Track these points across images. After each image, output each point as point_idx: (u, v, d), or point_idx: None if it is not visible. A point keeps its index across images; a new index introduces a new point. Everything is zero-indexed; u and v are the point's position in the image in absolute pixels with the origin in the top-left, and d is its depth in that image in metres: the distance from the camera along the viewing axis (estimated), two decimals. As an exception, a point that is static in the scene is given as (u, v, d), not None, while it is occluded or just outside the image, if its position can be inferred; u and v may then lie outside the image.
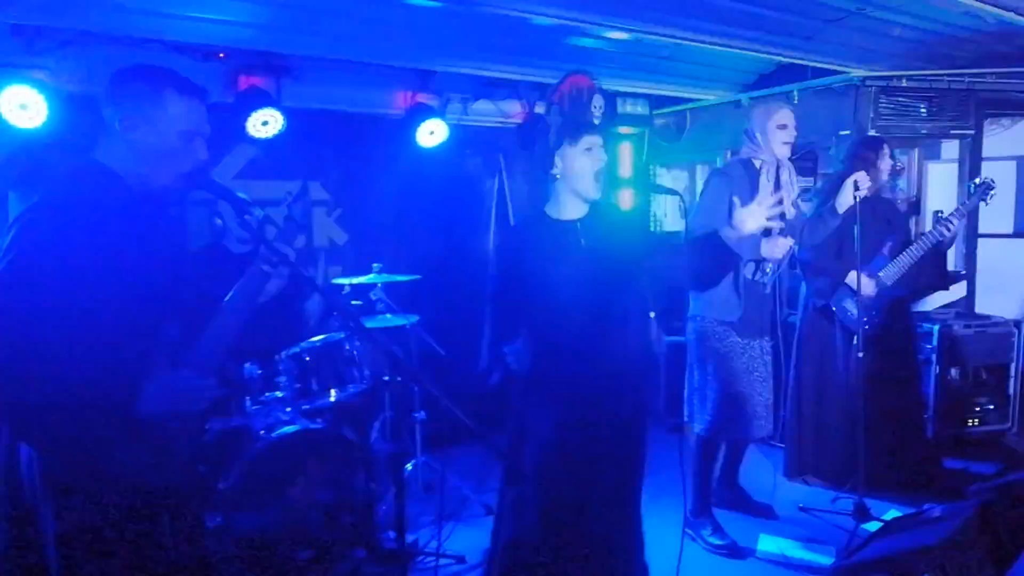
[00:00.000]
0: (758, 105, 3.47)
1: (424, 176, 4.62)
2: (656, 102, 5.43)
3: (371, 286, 3.73)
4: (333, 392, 3.30)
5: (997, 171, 4.89)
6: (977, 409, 4.34)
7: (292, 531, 2.89)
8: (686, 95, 5.19)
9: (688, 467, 3.33)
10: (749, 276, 3.21)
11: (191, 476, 1.77)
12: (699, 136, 5.34)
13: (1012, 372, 4.46)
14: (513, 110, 4.87)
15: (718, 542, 3.30)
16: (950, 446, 4.19)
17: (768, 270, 3.24)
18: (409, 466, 3.84)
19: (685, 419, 3.44)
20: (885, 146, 3.72)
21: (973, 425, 4.31)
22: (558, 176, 2.32)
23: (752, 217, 2.71)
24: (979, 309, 4.86)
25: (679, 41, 3.80)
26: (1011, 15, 3.28)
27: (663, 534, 2.75)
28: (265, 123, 3.89)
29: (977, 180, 3.71)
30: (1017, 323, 4.55)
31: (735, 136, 3.53)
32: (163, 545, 1.65)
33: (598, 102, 2.29)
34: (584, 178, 2.29)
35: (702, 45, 3.91)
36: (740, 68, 4.75)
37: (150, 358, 1.58)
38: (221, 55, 3.81)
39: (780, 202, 2.96)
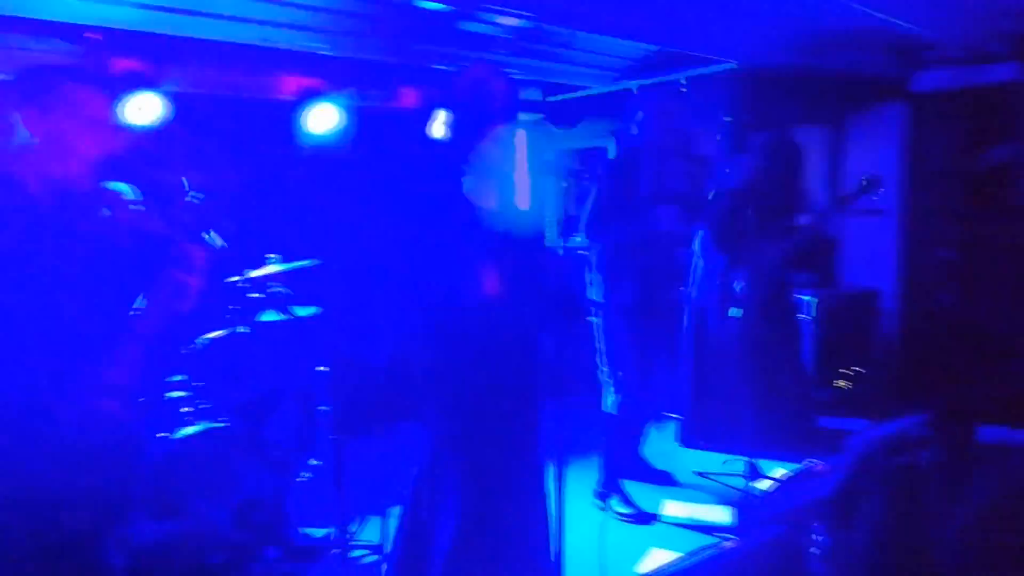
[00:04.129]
0: (645, 93, 3.59)
1: (316, 162, 4.50)
2: (549, 89, 5.52)
3: (269, 278, 3.61)
4: (234, 389, 3.18)
5: (859, 155, 5.34)
6: (846, 371, 4.72)
7: (200, 535, 2.78)
8: (579, 83, 5.31)
9: (599, 443, 3.46)
10: (651, 258, 3.36)
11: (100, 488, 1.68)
12: (592, 123, 5.48)
13: (875, 336, 4.89)
14: (405, 95, 4.83)
15: (626, 511, 3.45)
16: (825, 406, 4.55)
17: (667, 249, 3.40)
18: (316, 461, 3.76)
19: (594, 398, 3.56)
20: (779, 135, 3.98)
21: (844, 386, 4.69)
22: (472, 164, 2.33)
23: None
24: (847, 280, 5.29)
25: (572, 29, 3.90)
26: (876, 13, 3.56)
27: (575, 507, 2.85)
28: (143, 108, 3.67)
29: (866, 178, 4.02)
30: (879, 292, 4.99)
31: (626, 123, 3.65)
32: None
33: (510, 90, 2.30)
34: (499, 167, 2.32)
35: (591, 33, 4.02)
36: (629, 56, 4.90)
37: (69, 373, 1.49)
38: (93, 35, 3.56)
39: (672, 187, 3.11)
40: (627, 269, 3.33)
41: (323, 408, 3.74)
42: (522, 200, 2.57)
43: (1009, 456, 3.17)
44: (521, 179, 2.36)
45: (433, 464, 2.41)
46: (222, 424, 3.02)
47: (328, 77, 4.42)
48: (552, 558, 2.33)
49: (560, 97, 5.53)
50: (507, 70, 2.37)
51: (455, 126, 2.40)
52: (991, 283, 4.57)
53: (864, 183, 4.01)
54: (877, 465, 2.81)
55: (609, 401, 3.45)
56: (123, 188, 1.67)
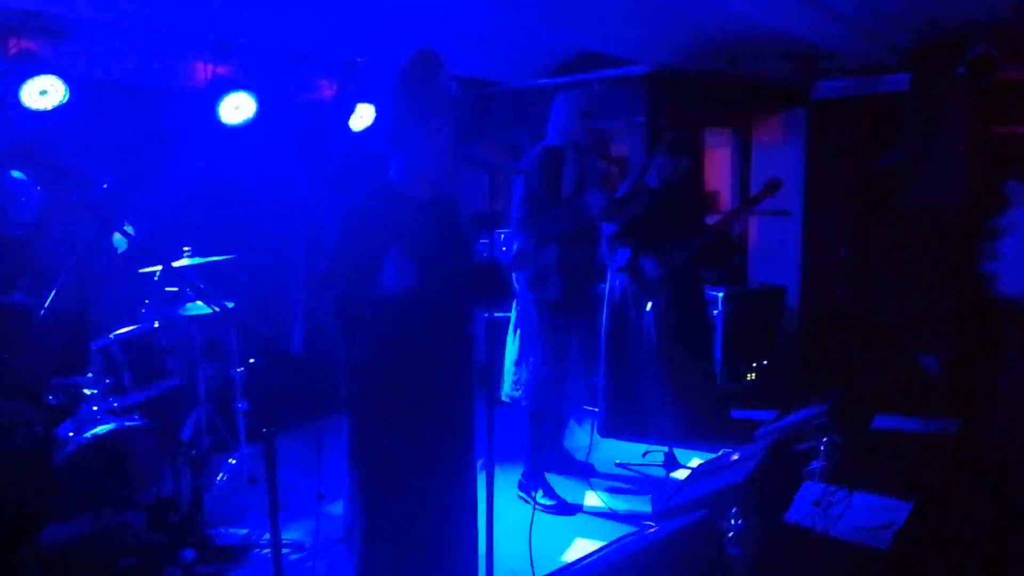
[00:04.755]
0: (563, 92, 3.63)
1: (230, 154, 4.36)
2: (467, 84, 5.53)
3: (183, 271, 3.47)
4: (147, 386, 3.06)
5: (764, 157, 5.60)
6: (754, 364, 4.95)
7: (112, 538, 2.66)
8: (493, 79, 5.33)
9: (520, 437, 3.51)
10: (573, 253, 3.42)
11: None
12: (505, 121, 5.52)
13: (780, 331, 5.14)
14: (322, 86, 4.74)
15: (549, 502, 3.51)
16: (735, 397, 4.76)
17: (582, 245, 3.47)
18: (233, 459, 3.66)
19: (515, 394, 3.60)
20: (689, 137, 4.12)
21: (752, 378, 4.92)
22: (405, 154, 2.32)
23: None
24: (754, 277, 5.54)
25: (493, 24, 3.92)
26: (781, 14, 3.74)
27: (499, 501, 2.88)
28: (44, 92, 3.47)
29: (769, 180, 4.21)
30: (784, 289, 5.25)
31: (540, 120, 3.67)
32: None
33: (445, 81, 2.29)
34: (433, 158, 2.32)
35: (509, 28, 4.06)
36: (545, 55, 4.97)
37: None
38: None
39: (591, 185, 3.17)
40: (552, 264, 3.39)
41: (242, 404, 3.65)
42: (451, 190, 2.57)
43: (902, 442, 3.39)
44: (451, 169, 2.36)
45: (358, 456, 2.39)
46: (134, 423, 2.90)
47: (243, 66, 4.29)
48: (479, 551, 2.35)
49: (480, 92, 5.54)
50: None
51: (387, 115, 2.37)
52: (883, 280, 4.88)
53: (768, 185, 4.22)
54: (784, 452, 2.98)
55: (528, 395, 3.49)
56: (19, 176, 1.56)
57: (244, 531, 3.18)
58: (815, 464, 2.87)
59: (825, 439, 2.95)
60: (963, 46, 4.27)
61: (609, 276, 4.27)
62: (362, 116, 4.65)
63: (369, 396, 2.35)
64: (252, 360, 3.68)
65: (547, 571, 2.89)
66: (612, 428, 4.30)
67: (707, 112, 5.04)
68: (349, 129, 4.66)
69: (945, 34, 4.35)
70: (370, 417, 2.36)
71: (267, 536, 3.10)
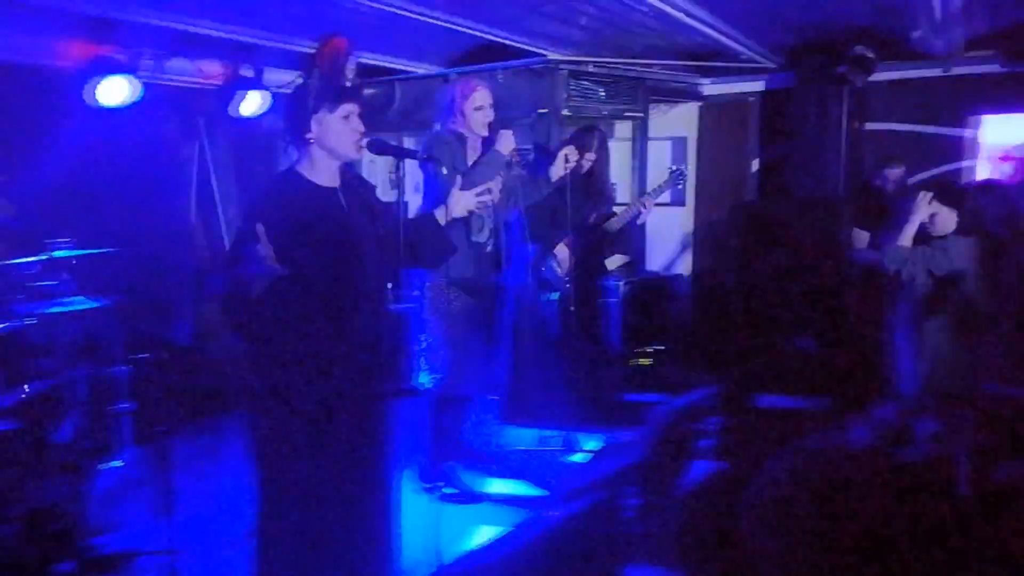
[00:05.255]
0: (458, 83, 3.61)
1: (110, 140, 4.10)
2: (365, 72, 5.41)
3: (60, 263, 3.26)
4: (18, 387, 2.85)
5: (660, 150, 5.79)
6: (648, 349, 5.11)
7: (-19, 552, 2.48)
8: (395, 66, 5.26)
9: (423, 426, 3.49)
10: (474, 239, 3.43)
11: None
12: (407, 108, 5.45)
13: (673, 317, 5.33)
14: (213, 70, 4.54)
15: (452, 491, 3.52)
16: (629, 382, 4.90)
17: (486, 231, 3.48)
18: (117, 464, 3.47)
19: (417, 381, 3.58)
20: (592, 129, 4.20)
21: (646, 363, 5.07)
22: (313, 142, 2.26)
23: (461, 201, 2.87)
24: (648, 266, 5.73)
25: (389, 9, 3.85)
26: (674, 12, 3.86)
27: (402, 492, 2.86)
28: None
29: (672, 168, 4.34)
30: (676, 278, 5.45)
31: (441, 110, 3.64)
32: None
33: (353, 67, 2.24)
34: (343, 146, 2.26)
35: (411, 16, 4.00)
36: (447, 43, 4.94)
37: None
38: None
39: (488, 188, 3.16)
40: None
41: (127, 405, 3.46)
42: (365, 180, 2.52)
43: (786, 420, 3.59)
44: (358, 157, 2.31)
45: (260, 453, 2.32)
46: (6, 427, 2.70)
47: (125, 45, 4.04)
48: (390, 545, 2.34)
49: (378, 79, 5.45)
50: (314, 47, 2.32)
51: (293, 101, 2.30)
52: (767, 268, 5.14)
53: (670, 175, 4.37)
54: (677, 432, 3.10)
55: (423, 381, 3.48)
56: None
57: (130, 539, 3.02)
58: (706, 443, 3.00)
59: (714, 419, 3.10)
60: (842, 47, 4.55)
61: (512, 263, 4.30)
62: (256, 101, 4.48)
63: (277, 389, 2.28)
64: (140, 357, 3.50)
65: (452, 560, 2.91)
66: (514, 414, 4.35)
67: (607, 104, 5.15)
68: (241, 115, 4.49)
69: (826, 36, 4.63)
70: (277, 411, 2.29)
71: (157, 543, 2.96)
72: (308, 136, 2.23)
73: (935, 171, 4.98)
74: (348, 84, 2.25)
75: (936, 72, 4.93)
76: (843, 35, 4.55)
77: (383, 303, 2.40)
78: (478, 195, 2.90)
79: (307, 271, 2.14)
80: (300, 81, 2.26)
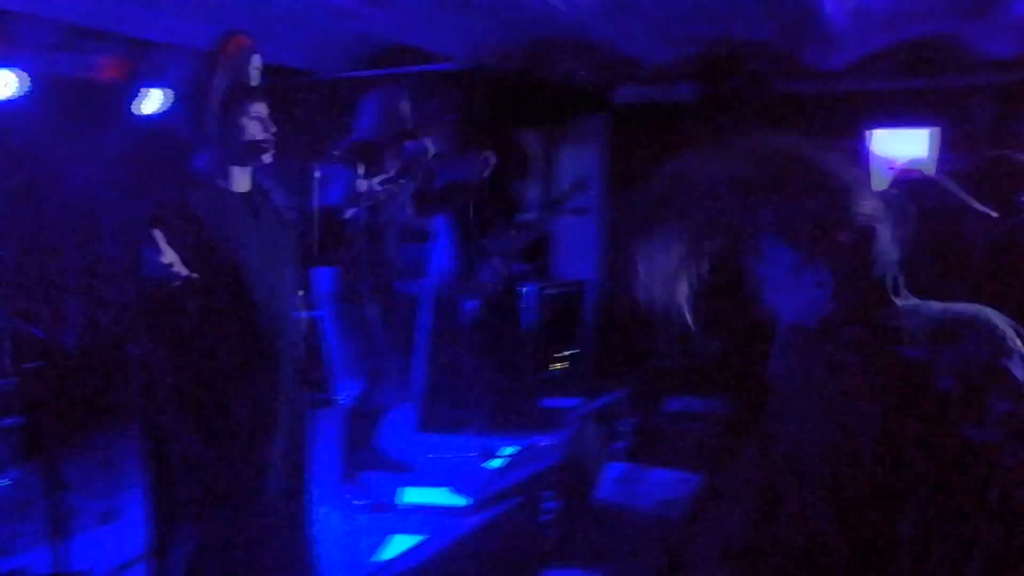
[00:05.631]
0: (374, 88, 3.57)
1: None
2: (272, 72, 5.25)
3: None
4: None
5: (570, 158, 5.88)
6: (562, 354, 5.18)
7: None
8: (307, 68, 5.14)
9: (337, 436, 3.42)
10: (391, 248, 3.39)
11: None
12: (317, 110, 5.33)
13: (585, 323, 5.43)
14: (110, 65, 4.30)
15: (363, 502, 3.45)
16: (544, 387, 4.95)
17: (400, 239, 3.46)
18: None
19: (328, 392, 3.50)
20: (502, 136, 4.22)
21: (560, 368, 5.15)
22: (222, 144, 2.17)
23: (363, 189, 2.85)
24: (560, 273, 5.81)
25: (299, 9, 3.76)
26: (586, 22, 3.94)
27: (319, 502, 2.80)
28: None
29: (576, 178, 4.41)
30: (587, 283, 5.54)
31: (351, 112, 3.58)
32: None
33: (258, 66, 2.16)
34: (251, 149, 2.19)
35: (324, 16, 3.92)
36: (360, 46, 4.86)
37: None
38: None
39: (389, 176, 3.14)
40: (355, 258, 3.31)
41: (10, 420, 3.24)
42: (272, 184, 2.45)
43: (689, 420, 3.71)
44: (268, 160, 2.24)
45: (160, 469, 2.21)
46: None
47: (8, 37, 3.78)
48: (305, 558, 2.27)
49: (286, 80, 5.31)
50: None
51: (196, 101, 2.20)
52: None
53: (574, 185, 4.46)
54: (591, 435, 3.16)
55: (343, 392, 3.42)
56: None
57: (19, 563, 2.81)
58: (618, 445, 3.07)
59: (626, 421, 3.17)
60: (743, 61, 4.76)
61: (429, 271, 4.28)
62: (154, 100, 4.29)
63: (181, 399, 2.18)
64: (27, 367, 3.28)
65: (366, 571, 2.86)
66: (430, 423, 4.32)
67: (518, 112, 5.19)
68: (138, 114, 4.29)
69: (728, 50, 4.83)
70: (182, 423, 2.19)
71: (47, 567, 2.77)
72: (213, 138, 2.15)
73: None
74: (255, 84, 2.17)
75: (830, 87, 5.23)
76: (744, 50, 4.76)
77: (293, 310, 2.34)
78: (380, 183, 2.89)
79: (214, 278, 2.06)
80: (204, 80, 2.17)
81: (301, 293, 2.51)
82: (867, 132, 5.14)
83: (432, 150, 3.40)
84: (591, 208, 6.01)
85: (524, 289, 5.01)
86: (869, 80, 5.07)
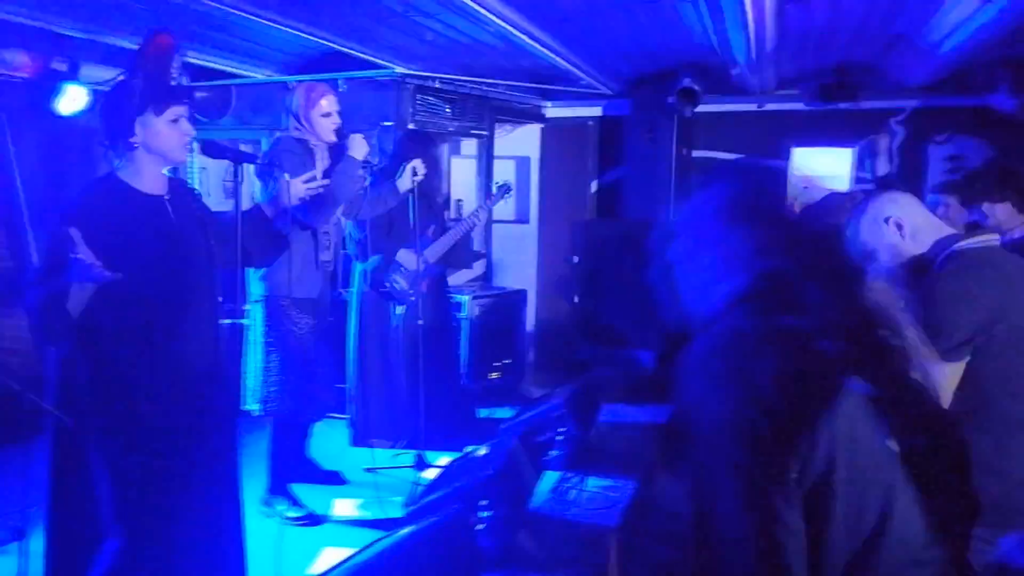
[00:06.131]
0: (302, 89, 3.49)
1: None
2: (197, 75, 5.10)
3: None
4: None
5: (504, 168, 5.92)
6: (497, 364, 5.19)
7: None
8: (232, 70, 5.01)
9: (265, 448, 3.32)
10: (321, 258, 3.32)
11: None
12: (244, 114, 5.21)
13: (521, 332, 5.45)
14: (20, 61, 4.10)
15: (295, 514, 3.37)
16: (479, 396, 4.95)
17: (332, 250, 3.39)
18: None
19: (255, 403, 3.39)
20: (436, 141, 4.21)
21: (495, 378, 5.15)
22: (138, 146, 2.09)
23: (291, 190, 2.82)
24: (495, 282, 5.82)
25: (227, 10, 3.65)
26: (518, 34, 3.96)
27: (246, 516, 2.71)
28: None
29: (499, 182, 4.44)
30: (521, 292, 5.57)
31: (285, 116, 3.50)
32: None
33: (180, 67, 2.09)
34: (170, 151, 2.12)
35: (252, 19, 3.82)
36: (289, 50, 4.78)
37: None
38: None
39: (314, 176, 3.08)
40: (281, 264, 3.23)
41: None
42: (186, 185, 2.37)
43: (625, 429, 3.76)
44: (184, 161, 2.18)
45: (69, 485, 2.11)
46: None
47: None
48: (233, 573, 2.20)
49: (209, 84, 5.16)
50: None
51: (115, 102, 2.12)
52: (610, 283, 5.38)
53: (497, 189, 4.50)
54: (527, 444, 3.16)
55: (272, 404, 3.32)
56: None
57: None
58: (554, 453, 3.08)
59: (562, 430, 3.18)
60: (672, 79, 4.89)
61: (356, 280, 4.21)
62: (76, 98, 4.12)
63: (97, 411, 2.09)
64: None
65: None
66: (364, 434, 4.24)
67: (453, 121, 5.19)
68: (59, 112, 4.11)
69: (658, 68, 4.95)
70: (98, 435, 2.09)
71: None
72: (132, 140, 2.07)
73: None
74: (175, 85, 2.11)
75: (753, 106, 5.43)
76: (673, 68, 4.89)
77: (214, 316, 2.27)
78: (305, 182, 2.87)
79: (130, 284, 1.98)
80: (122, 79, 2.08)
81: (221, 299, 2.43)
82: (787, 150, 5.35)
83: (367, 149, 3.36)
84: (528, 219, 6.08)
85: (460, 298, 4.99)
86: (787, 102, 5.30)
